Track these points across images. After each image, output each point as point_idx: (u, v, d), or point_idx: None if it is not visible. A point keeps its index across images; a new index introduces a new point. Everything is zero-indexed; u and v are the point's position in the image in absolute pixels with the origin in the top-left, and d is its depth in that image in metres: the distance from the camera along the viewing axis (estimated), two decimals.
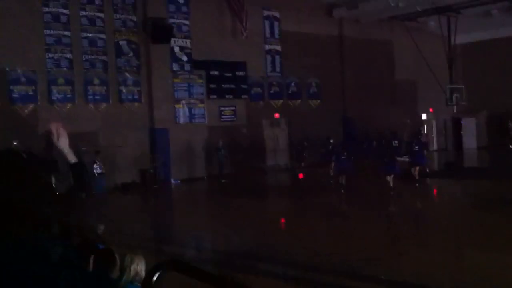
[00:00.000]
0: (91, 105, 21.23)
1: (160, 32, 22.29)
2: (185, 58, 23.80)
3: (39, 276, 1.97)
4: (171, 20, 23.19)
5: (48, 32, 20.25)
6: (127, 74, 22.16)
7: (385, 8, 27.26)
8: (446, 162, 24.88)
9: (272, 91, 26.92)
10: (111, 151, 20.51)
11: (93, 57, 21.38)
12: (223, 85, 24.92)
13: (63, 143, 3.30)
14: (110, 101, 21.68)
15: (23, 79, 19.67)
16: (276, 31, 27.12)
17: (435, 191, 19.56)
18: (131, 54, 22.31)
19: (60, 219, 3.16)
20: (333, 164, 20.46)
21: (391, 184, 17.56)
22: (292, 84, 27.68)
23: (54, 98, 20.30)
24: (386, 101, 30.44)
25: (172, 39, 23.05)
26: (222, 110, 24.98)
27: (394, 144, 19.65)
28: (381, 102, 29.93)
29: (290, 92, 27.63)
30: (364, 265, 8.42)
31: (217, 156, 23.11)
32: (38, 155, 3.82)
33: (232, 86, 25.26)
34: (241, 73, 25.53)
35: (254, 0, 25.23)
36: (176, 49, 23.54)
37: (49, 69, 20.29)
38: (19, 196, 2.09)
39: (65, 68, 20.65)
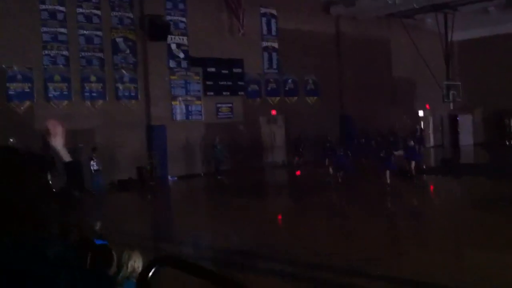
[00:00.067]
0: (88, 102, 21.20)
1: (157, 29, 22.25)
2: (182, 55, 23.78)
3: (38, 276, 1.97)
4: (168, 17, 23.16)
5: (44, 29, 20.20)
6: (124, 71, 22.13)
7: (382, 5, 27.28)
8: (443, 159, 24.94)
9: (269, 88, 26.91)
10: (108, 148, 20.48)
11: (89, 54, 21.34)
12: (220, 82, 24.90)
13: (58, 142, 3.31)
14: (107, 98, 21.65)
15: (19, 76, 19.62)
16: (273, 28, 27.11)
17: (431, 188, 19.58)
18: (128, 51, 22.28)
19: (57, 218, 3.16)
20: (328, 161, 20.54)
21: (388, 181, 17.66)
22: (289, 81, 27.68)
23: (50, 95, 20.26)
24: (383, 98, 30.47)
25: (169, 36, 23.02)
26: (219, 107, 24.97)
27: (390, 140, 19.77)
28: (378, 99, 29.97)
29: (287, 89, 27.62)
30: (364, 264, 8.42)
31: (214, 153, 23.11)
32: (34, 152, 3.82)
33: (229, 83, 25.24)
34: (238, 70, 25.52)
35: None
36: (173, 46, 23.51)
37: (46, 66, 20.24)
38: (17, 194, 2.09)
39: (61, 65, 20.61)
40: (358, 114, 28.52)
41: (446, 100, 29.85)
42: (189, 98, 23.93)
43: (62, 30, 20.61)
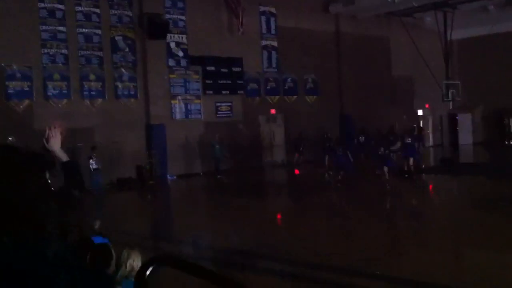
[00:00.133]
0: (87, 101, 21.17)
1: (156, 28, 22.23)
2: (181, 54, 23.75)
3: (38, 276, 1.96)
4: (167, 16, 23.14)
5: (43, 27, 20.17)
6: (123, 69, 22.10)
7: (381, 3, 27.28)
8: (442, 158, 24.95)
9: (268, 87, 26.89)
10: (107, 147, 20.46)
11: (88, 52, 21.31)
12: (219, 81, 24.88)
13: (54, 145, 3.32)
14: (106, 97, 21.62)
15: (18, 75, 19.59)
16: (273, 27, 27.08)
17: (430, 187, 19.58)
18: (127, 49, 22.26)
19: (56, 217, 3.15)
20: (328, 160, 20.58)
21: (386, 177, 17.74)
22: (289, 80, 27.66)
23: (49, 94, 20.22)
24: (382, 97, 30.48)
25: (168, 35, 23.01)
26: (218, 106, 24.95)
27: (390, 139, 19.83)
28: (377, 98, 29.98)
29: (286, 88, 27.60)
30: (364, 264, 8.41)
31: (213, 152, 23.10)
32: (33, 151, 3.80)
33: (228, 82, 25.22)
34: (237, 69, 25.50)
35: None
36: (172, 45, 23.49)
37: (45, 65, 20.21)
38: (16, 193, 2.08)
39: (60, 64, 20.57)
40: (357, 113, 28.52)
41: (445, 99, 29.87)
42: (188, 97, 23.91)
43: (61, 28, 20.58)
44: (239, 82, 25.60)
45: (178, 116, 23.56)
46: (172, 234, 12.69)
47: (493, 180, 18.68)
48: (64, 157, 3.31)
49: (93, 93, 21.33)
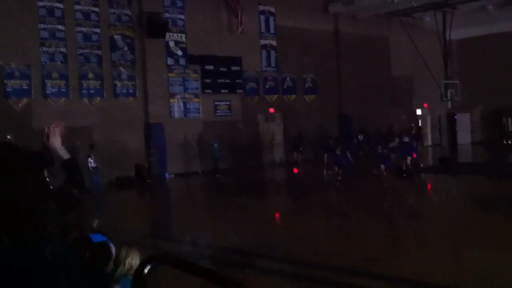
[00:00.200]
0: (86, 100, 21.16)
1: (155, 27, 22.22)
2: (180, 53, 23.74)
3: (37, 275, 1.96)
4: (166, 15, 23.12)
5: (42, 26, 20.15)
6: (121, 68, 22.09)
7: (381, 3, 27.30)
8: (440, 157, 24.96)
9: (267, 86, 26.89)
10: (106, 145, 20.45)
11: (87, 51, 21.30)
12: (218, 80, 24.88)
13: (56, 142, 3.33)
14: (105, 96, 21.61)
15: (17, 74, 19.58)
16: (272, 26, 27.08)
17: (429, 186, 19.59)
18: (125, 48, 22.24)
19: (56, 217, 3.16)
20: (327, 159, 20.59)
21: (384, 175, 17.79)
22: (288, 79, 27.66)
23: (48, 92, 20.22)
24: (382, 96, 30.49)
25: (167, 34, 23.00)
26: (217, 105, 24.94)
27: (389, 138, 19.89)
28: (377, 97, 30.00)
29: (285, 87, 27.60)
30: (363, 264, 8.40)
31: (212, 150, 23.10)
32: (32, 149, 3.81)
33: (227, 81, 25.22)
34: (236, 68, 25.49)
35: None
36: (171, 44, 23.48)
37: (44, 64, 20.21)
38: (15, 192, 2.08)
39: (59, 63, 20.56)
40: (356, 113, 28.54)
41: (444, 98, 29.89)
42: (187, 95, 23.91)
43: (60, 27, 20.56)
44: (238, 81, 25.60)
45: (177, 115, 23.55)
46: (170, 233, 12.68)
47: (492, 179, 18.70)
48: (65, 154, 3.31)
49: (92, 91, 21.32)
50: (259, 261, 9.27)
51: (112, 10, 21.88)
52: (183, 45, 23.79)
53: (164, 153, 22.35)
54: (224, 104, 25.17)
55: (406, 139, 20.49)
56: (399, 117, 29.16)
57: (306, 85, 28.40)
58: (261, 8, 26.63)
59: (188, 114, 23.93)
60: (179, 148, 23.22)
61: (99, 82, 21.50)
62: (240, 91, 25.72)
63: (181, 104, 23.72)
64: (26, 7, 19.61)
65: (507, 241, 9.61)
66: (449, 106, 33.34)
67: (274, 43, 27.07)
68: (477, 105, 34.29)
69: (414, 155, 20.54)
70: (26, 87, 19.71)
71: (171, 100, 23.37)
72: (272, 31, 27.05)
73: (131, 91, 22.31)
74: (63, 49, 20.64)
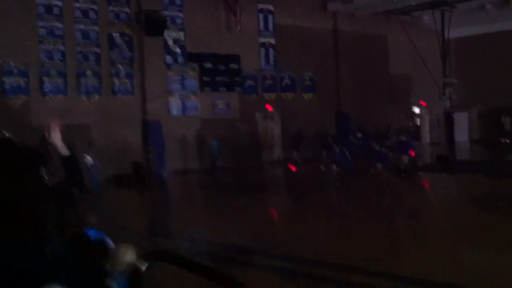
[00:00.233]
0: (84, 97, 21.16)
1: (154, 25, 22.22)
2: (178, 51, 23.74)
3: (34, 273, 1.97)
4: (165, 13, 23.11)
5: (41, 24, 20.15)
6: (120, 66, 22.09)
7: (379, 2, 27.32)
8: (438, 156, 24.97)
9: (265, 84, 26.89)
10: (104, 143, 20.44)
11: (86, 49, 21.30)
12: (216, 78, 24.89)
13: (56, 138, 3.34)
14: (103, 94, 21.61)
15: (15, 71, 19.58)
16: (270, 24, 27.07)
17: (426, 185, 19.60)
18: (124, 46, 22.24)
19: (55, 215, 3.17)
20: (326, 158, 20.59)
21: (380, 173, 17.86)
22: (286, 77, 27.66)
23: (46, 90, 20.22)
24: (380, 95, 30.50)
25: (166, 32, 22.98)
26: (216, 103, 24.95)
27: (387, 137, 19.93)
28: (375, 96, 30.00)
29: (283, 85, 27.60)
30: (363, 264, 8.41)
31: (210, 149, 23.10)
32: (29, 147, 3.81)
33: (226, 79, 25.23)
34: (234, 66, 25.50)
35: None
36: (170, 42, 23.47)
37: (42, 61, 20.20)
38: (13, 190, 2.09)
39: (57, 60, 20.56)
40: (355, 111, 28.53)
41: (442, 97, 29.92)
42: (185, 93, 23.91)
43: (59, 25, 20.56)
44: (236, 79, 25.61)
45: (175, 112, 23.56)
46: (168, 230, 12.69)
47: (490, 178, 18.71)
48: (65, 151, 3.32)
49: (90, 89, 21.32)
50: (257, 259, 9.29)
51: (111, 8, 21.87)
52: (182, 43, 23.79)
53: (163, 151, 22.34)
54: (223, 102, 25.18)
55: (403, 138, 20.55)
56: (397, 116, 29.18)
57: (305, 83, 28.40)
58: (260, 6, 26.62)
59: (186, 112, 23.93)
60: (177, 146, 23.22)
61: (98, 80, 21.51)
62: (239, 89, 25.73)
63: (180, 102, 23.72)
64: (25, 6, 19.61)
65: (506, 241, 9.60)
66: (447, 105, 33.35)
67: (272, 41, 27.07)
68: (475, 103, 34.32)
69: (412, 154, 20.54)
70: (24, 85, 19.72)
71: (169, 98, 23.38)
72: (270, 29, 27.04)
73: (129, 89, 22.31)
74: (61, 47, 20.63)
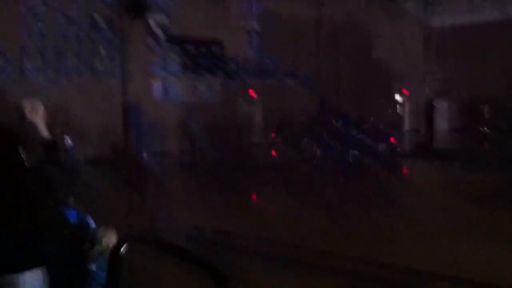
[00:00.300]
0: (63, 78, 20.90)
1: (136, 6, 21.95)
2: (161, 33, 23.50)
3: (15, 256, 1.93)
4: None
5: (20, 2, 19.78)
6: (101, 47, 21.82)
7: None
8: (418, 143, 25.19)
9: (248, 69, 26.79)
10: (84, 124, 20.26)
11: (66, 29, 20.98)
12: (199, 62, 24.72)
13: (36, 118, 3.33)
14: (83, 74, 21.37)
15: None
16: (255, 9, 26.90)
17: (405, 171, 19.78)
18: (105, 26, 21.95)
19: (31, 193, 3.14)
20: (305, 141, 20.67)
21: (355, 159, 17.98)
22: (269, 62, 27.56)
23: (25, 69, 19.93)
24: (361, 81, 30.55)
25: (148, 14, 22.72)
26: (198, 86, 24.82)
27: (366, 123, 20.02)
28: (357, 82, 30.06)
29: (266, 70, 27.51)
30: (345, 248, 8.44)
31: (190, 131, 23.00)
32: (8, 126, 3.75)
33: (208, 63, 25.08)
34: (217, 50, 25.34)
35: None
36: (152, 23, 23.21)
37: (21, 40, 19.88)
38: None
39: (37, 39, 20.23)
40: (336, 97, 28.59)
41: (423, 85, 30.09)
42: (167, 76, 23.74)
43: (39, 3, 20.20)
44: (219, 63, 25.46)
45: (155, 94, 23.39)
46: (147, 212, 12.65)
47: (468, 166, 18.90)
48: (44, 131, 3.30)
49: (70, 70, 21.05)
50: (232, 240, 9.30)
51: None
52: (164, 25, 23.54)
53: (142, 132, 22.20)
54: (204, 86, 25.05)
55: (383, 125, 20.68)
56: (378, 103, 29.29)
57: (287, 69, 28.33)
58: None
59: (167, 95, 23.78)
60: (157, 128, 23.08)
61: (78, 60, 21.23)
62: (221, 73, 25.60)
63: (161, 85, 23.55)
64: None
65: (489, 230, 9.69)
66: (427, 92, 33.56)
67: (256, 26, 26.91)
68: (457, 92, 34.57)
69: (393, 141, 20.70)
70: (2, 64, 19.40)
71: (151, 81, 23.19)
72: (254, 13, 26.87)
73: (109, 69, 22.07)
74: (41, 26, 20.29)
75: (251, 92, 26.76)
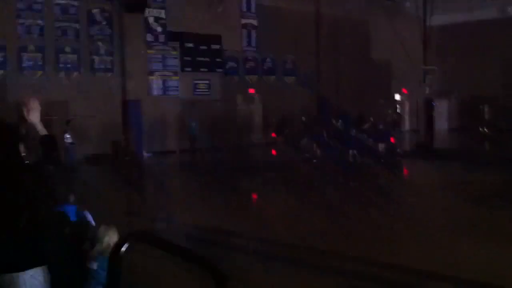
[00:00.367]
0: (62, 74, 20.83)
1: (135, 2, 21.87)
2: (159, 29, 23.45)
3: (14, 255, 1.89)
4: None
5: None
6: (99, 43, 21.76)
7: None
8: (417, 143, 25.15)
9: (247, 66, 26.75)
10: (82, 121, 20.20)
11: (65, 24, 20.91)
12: (197, 58, 24.67)
13: (34, 117, 3.31)
14: (82, 70, 21.30)
15: None
16: (253, 5, 26.85)
17: (405, 172, 19.74)
18: (104, 22, 21.88)
19: (30, 191, 3.09)
20: (306, 140, 20.63)
21: (357, 158, 17.94)
22: (268, 59, 27.54)
23: (24, 65, 19.86)
24: (360, 80, 30.53)
25: (147, 10, 22.65)
26: (196, 84, 24.77)
27: (365, 123, 19.97)
28: (355, 81, 30.03)
29: (265, 68, 27.49)
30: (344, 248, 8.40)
31: (189, 129, 22.91)
32: (8, 122, 3.70)
33: (207, 59, 25.02)
34: (216, 47, 25.28)
35: None
36: (151, 20, 23.16)
37: (20, 36, 19.80)
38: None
39: (36, 35, 20.16)
40: (335, 96, 28.55)
41: (422, 84, 30.02)
42: (166, 73, 23.68)
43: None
44: (218, 60, 25.42)
45: (155, 92, 23.35)
46: (147, 211, 12.59)
47: (467, 166, 18.87)
48: (43, 130, 3.26)
49: (69, 65, 20.99)
50: (233, 240, 9.26)
51: None
52: (163, 22, 23.48)
53: (141, 130, 22.14)
54: (203, 83, 25.00)
55: (382, 125, 20.64)
56: (377, 102, 29.26)
57: (286, 66, 28.33)
58: None
59: (167, 92, 23.72)
60: (156, 126, 23.02)
61: (76, 56, 21.16)
62: (220, 70, 25.55)
63: (160, 82, 23.49)
64: None
65: (489, 229, 9.65)
66: (427, 92, 33.53)
67: (255, 22, 26.87)
68: (455, 92, 34.59)
69: (392, 141, 20.68)
70: (1, 59, 19.33)
71: (149, 77, 23.14)
72: (253, 10, 26.82)
73: (109, 66, 22.02)
74: (40, 22, 20.22)
75: (251, 91, 26.72)
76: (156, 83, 23.37)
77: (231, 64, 26.06)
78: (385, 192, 14.74)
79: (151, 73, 23.18)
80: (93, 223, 4.70)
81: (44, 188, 3.18)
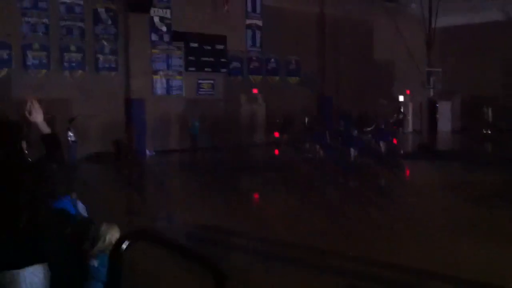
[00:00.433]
0: (67, 72, 20.91)
1: (140, 1, 21.94)
2: (164, 29, 23.51)
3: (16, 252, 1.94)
4: None
5: None
6: (104, 42, 21.83)
7: None
8: (420, 144, 25.13)
9: (251, 66, 26.79)
10: (86, 119, 20.26)
11: (70, 23, 20.99)
12: (202, 58, 24.72)
13: (37, 117, 3.33)
14: (86, 69, 21.37)
15: None
16: (258, 6, 26.89)
17: (407, 172, 19.73)
18: (109, 22, 21.95)
19: (33, 189, 3.15)
20: (308, 141, 20.67)
21: (357, 158, 17.96)
22: (272, 60, 27.58)
23: (29, 63, 19.93)
24: (364, 81, 30.53)
25: (152, 9, 22.72)
26: (200, 83, 24.82)
27: (368, 123, 20.00)
28: (359, 81, 30.03)
29: (269, 68, 27.52)
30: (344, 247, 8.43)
31: (192, 129, 22.97)
32: (12, 120, 3.76)
33: (211, 59, 25.07)
34: (220, 47, 25.33)
35: None
36: (156, 19, 23.22)
37: (25, 34, 19.88)
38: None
39: (41, 34, 20.24)
40: (338, 96, 28.58)
41: (426, 86, 30.03)
42: (170, 72, 23.75)
43: None
44: (222, 60, 25.47)
45: (159, 91, 23.40)
46: (148, 210, 12.64)
47: (469, 168, 18.86)
48: (46, 129, 3.30)
49: (73, 64, 21.07)
50: (233, 239, 9.30)
51: None
52: (168, 21, 23.55)
53: (145, 129, 22.20)
54: (207, 83, 25.05)
55: (381, 125, 20.65)
56: (380, 102, 29.26)
57: (290, 67, 28.36)
58: None
59: (170, 91, 23.78)
60: (159, 125, 23.08)
61: (81, 55, 21.24)
62: (224, 70, 25.60)
63: (164, 81, 23.56)
64: None
65: (489, 229, 9.66)
66: (431, 94, 33.51)
67: (259, 23, 26.91)
68: (459, 93, 34.55)
69: (395, 141, 20.69)
70: (6, 57, 19.41)
71: (153, 77, 23.20)
72: (258, 11, 26.86)
73: (113, 65, 22.08)
74: (45, 20, 20.30)
75: (255, 91, 26.76)
76: (160, 82, 23.44)
77: (235, 64, 26.11)
78: (386, 192, 14.78)
79: (155, 72, 23.24)
80: (85, 214, 4.74)
81: (45, 188, 3.23)
